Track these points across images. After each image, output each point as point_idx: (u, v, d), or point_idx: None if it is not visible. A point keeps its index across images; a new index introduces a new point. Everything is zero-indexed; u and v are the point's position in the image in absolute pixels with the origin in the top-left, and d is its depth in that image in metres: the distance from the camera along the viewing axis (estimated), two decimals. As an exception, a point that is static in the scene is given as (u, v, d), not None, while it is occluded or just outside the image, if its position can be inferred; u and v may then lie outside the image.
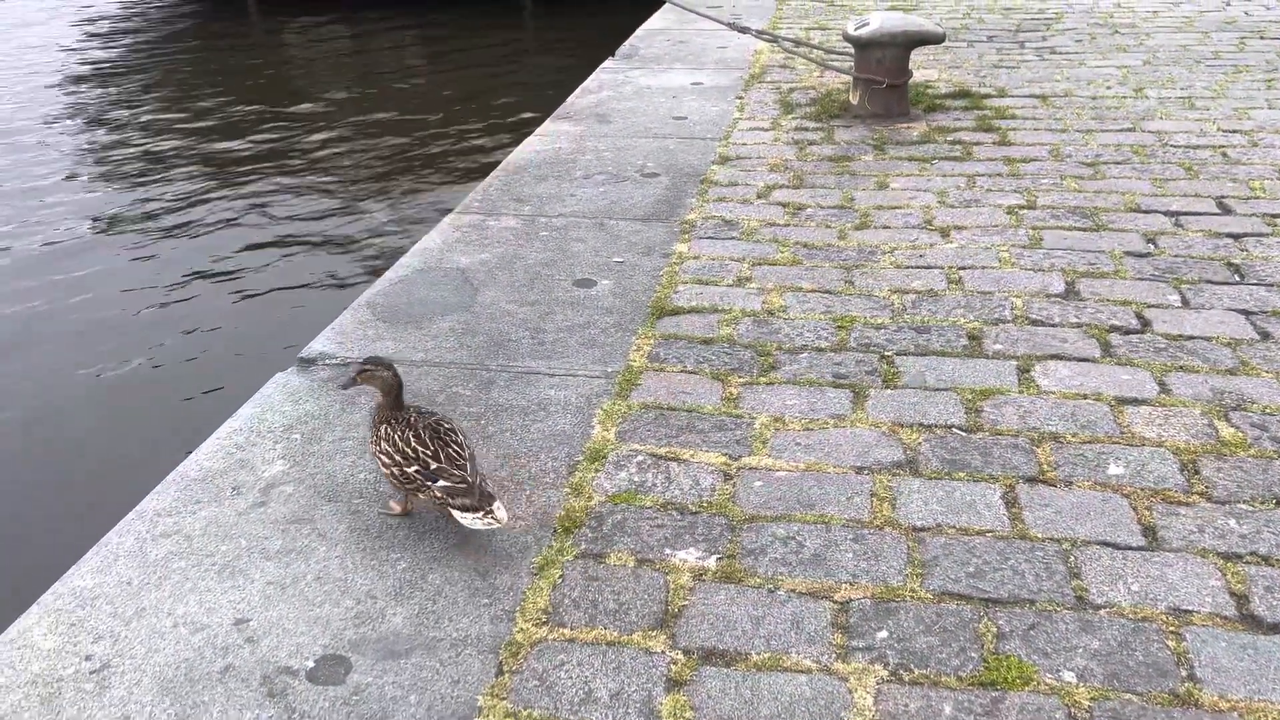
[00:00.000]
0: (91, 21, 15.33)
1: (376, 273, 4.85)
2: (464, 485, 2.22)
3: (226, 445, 2.68)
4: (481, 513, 2.20)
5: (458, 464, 2.26)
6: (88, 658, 1.99)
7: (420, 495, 2.29)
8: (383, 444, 2.32)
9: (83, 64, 12.88)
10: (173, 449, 2.91)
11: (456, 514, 2.22)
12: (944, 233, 3.98)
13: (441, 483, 2.23)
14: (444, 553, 2.28)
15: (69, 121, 10.21)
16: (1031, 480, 2.49)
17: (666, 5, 7.42)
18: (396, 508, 2.43)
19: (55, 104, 10.84)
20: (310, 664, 1.97)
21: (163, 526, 2.36)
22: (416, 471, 2.25)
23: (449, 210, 4.52)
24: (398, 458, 2.28)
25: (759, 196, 4.42)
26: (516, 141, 5.76)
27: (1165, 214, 4.08)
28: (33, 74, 12.28)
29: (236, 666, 1.96)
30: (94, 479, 4.23)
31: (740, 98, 5.98)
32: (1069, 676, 1.93)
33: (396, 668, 1.96)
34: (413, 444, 2.28)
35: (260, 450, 2.67)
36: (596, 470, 2.57)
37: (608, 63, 6.98)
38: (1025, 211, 4.16)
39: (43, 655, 2.00)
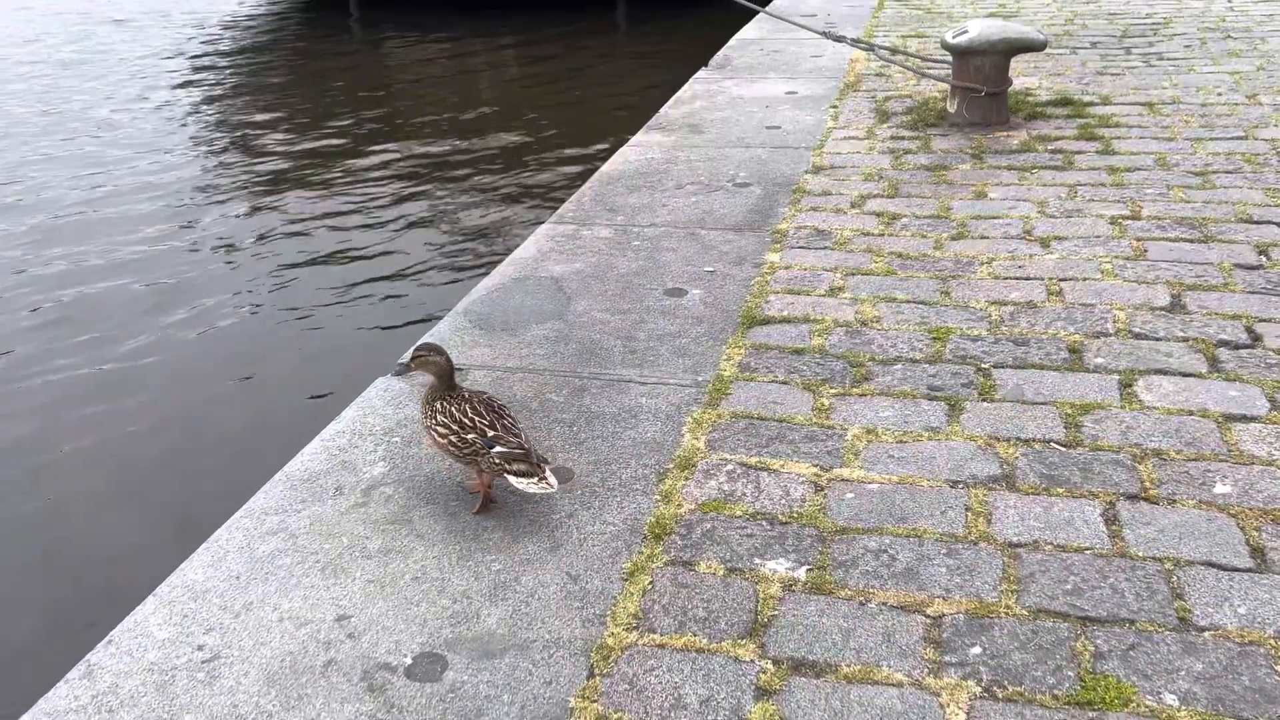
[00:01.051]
0: (195, 27, 15.97)
1: (474, 280, 4.95)
2: (521, 451, 2.38)
3: (330, 447, 2.78)
4: (536, 478, 2.35)
5: (513, 432, 2.42)
6: (199, 648, 2.08)
7: (479, 460, 2.42)
8: (438, 417, 2.47)
9: (181, 70, 13.40)
10: (280, 449, 3.02)
11: (512, 479, 2.37)
12: (1044, 243, 3.90)
13: (499, 449, 2.38)
14: (537, 555, 2.32)
15: (168, 127, 10.63)
16: (1133, 497, 2.43)
17: (760, 15, 7.42)
18: (474, 484, 2.54)
19: (153, 109, 11.30)
20: (408, 661, 2.03)
21: (269, 524, 2.46)
22: (475, 438, 2.40)
23: (544, 220, 4.59)
24: (455, 428, 2.43)
25: (853, 206, 4.40)
26: (610, 152, 5.82)
27: (1278, 225, 3.93)
28: (136, 76, 12.83)
29: (338, 661, 2.03)
30: (207, 477, 4.41)
31: (835, 107, 5.94)
32: (1170, 699, 1.88)
33: (491, 667, 2.01)
34: (470, 415, 2.44)
35: (362, 452, 2.75)
36: (686, 478, 2.58)
37: (701, 73, 7.01)
38: (1129, 222, 4.05)
39: (158, 644, 2.09)
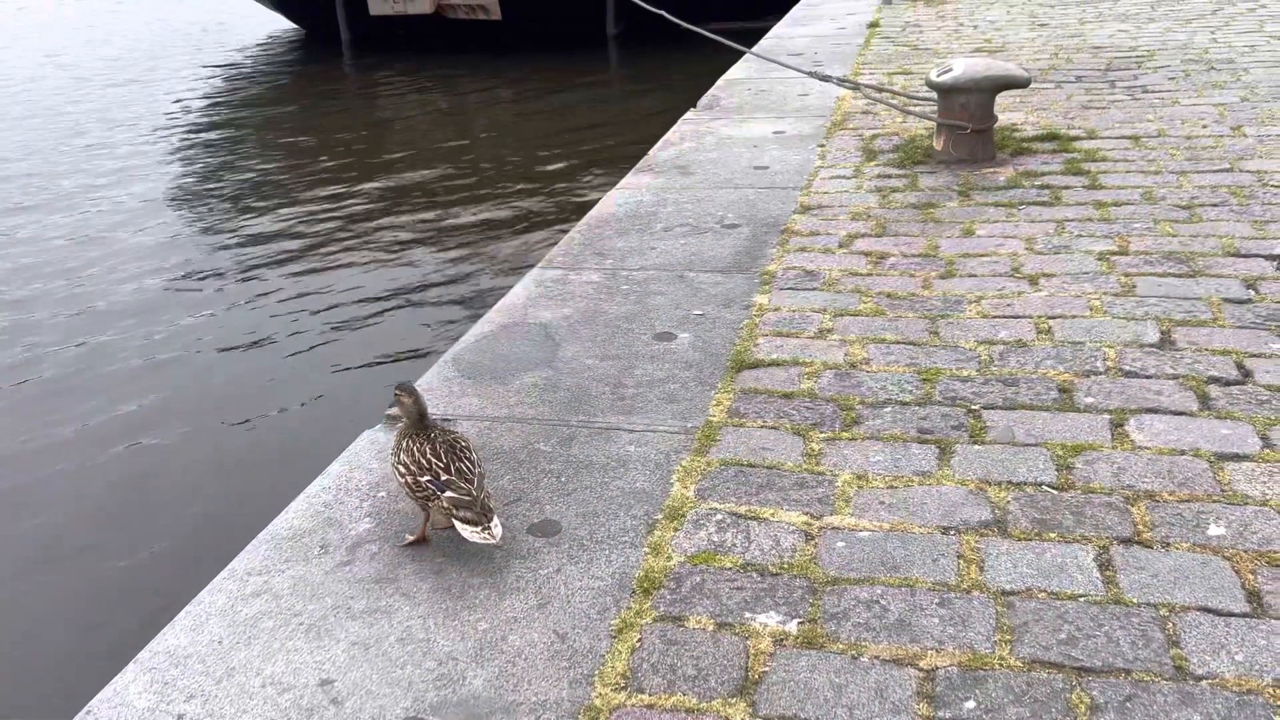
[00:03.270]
0: (188, 66, 16.07)
1: (462, 327, 4.94)
2: (469, 499, 2.41)
3: (315, 504, 2.75)
4: (480, 527, 2.38)
5: (466, 478, 2.46)
6: (179, 716, 2.04)
7: (431, 504, 2.46)
8: (401, 455, 2.53)
9: (170, 108, 13.46)
10: (265, 506, 2.99)
11: (458, 525, 2.40)
12: (1032, 281, 3.90)
13: (449, 494, 2.42)
14: (524, 613, 2.29)
15: (150, 167, 10.65)
16: (1126, 541, 2.41)
17: (747, 55, 7.47)
18: (411, 537, 2.57)
19: (140, 144, 11.34)
20: (392, 727, 1.99)
21: (253, 585, 2.42)
22: (429, 481, 2.44)
23: (532, 265, 4.59)
24: (413, 468, 2.48)
25: (841, 246, 4.40)
26: (598, 195, 5.83)
27: (1266, 258, 3.94)
28: (126, 114, 12.87)
29: (321, 728, 1.99)
30: (188, 537, 4.37)
31: (822, 145, 5.97)
32: (1169, 753, 1.84)
33: (476, 731, 1.97)
34: (429, 456, 2.48)
35: (348, 508, 2.72)
36: (675, 529, 2.56)
37: (689, 114, 7.05)
38: (1117, 258, 4.05)
39: (137, 713, 2.05)
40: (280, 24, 20.38)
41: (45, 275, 7.75)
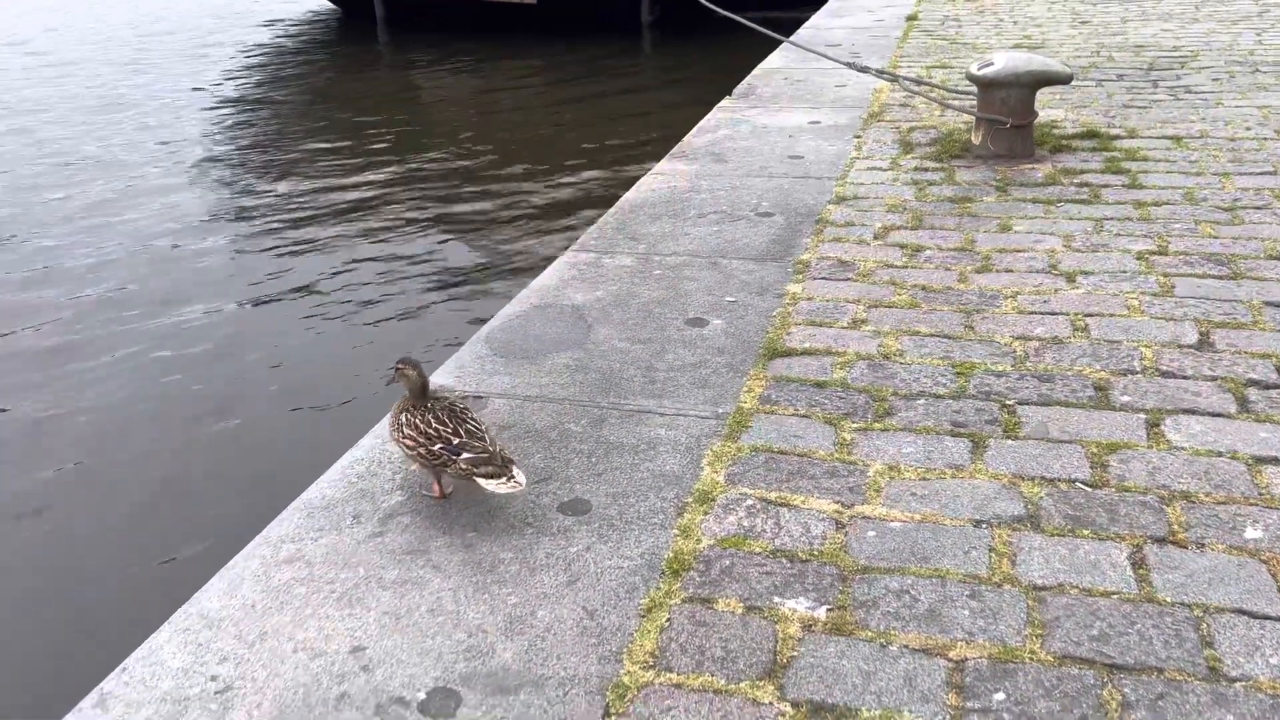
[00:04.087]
0: (220, 44, 16.15)
1: (495, 307, 4.95)
2: (486, 455, 2.46)
3: (348, 474, 2.77)
4: (504, 478, 2.43)
5: (477, 436, 2.50)
6: (213, 678, 2.06)
7: (448, 469, 2.50)
8: (404, 429, 2.56)
9: (204, 86, 13.53)
10: (297, 476, 3.01)
11: (481, 481, 2.44)
12: (1069, 278, 3.86)
13: (466, 455, 2.46)
14: (554, 589, 2.30)
15: (187, 148, 10.72)
16: (1161, 541, 2.39)
17: (784, 44, 7.43)
18: (436, 491, 2.63)
19: (175, 127, 11.41)
20: (422, 695, 2.00)
21: (286, 552, 2.45)
22: (441, 448, 2.47)
23: (565, 247, 4.59)
24: (421, 439, 2.51)
25: (876, 237, 4.38)
26: (632, 179, 5.82)
27: (1310, 262, 3.89)
28: (157, 93, 12.95)
29: (351, 695, 2.01)
30: (223, 504, 4.41)
31: (858, 137, 5.93)
32: (1201, 753, 1.83)
33: (505, 704, 1.98)
34: (434, 425, 2.52)
35: (380, 480, 2.74)
36: (705, 513, 2.56)
37: (724, 101, 7.03)
38: (1156, 258, 4.01)
39: (171, 673, 2.08)
40: (319, 2, 20.45)
41: (80, 241, 7.83)
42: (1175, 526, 2.43)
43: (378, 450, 2.89)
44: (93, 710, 1.99)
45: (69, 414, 5.33)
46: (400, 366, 2.66)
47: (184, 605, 2.28)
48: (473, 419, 2.57)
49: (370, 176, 9.51)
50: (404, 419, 2.59)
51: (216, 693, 2.02)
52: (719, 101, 7.04)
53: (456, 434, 2.50)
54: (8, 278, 7.28)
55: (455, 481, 2.60)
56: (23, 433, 5.18)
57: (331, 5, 20.04)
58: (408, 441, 2.55)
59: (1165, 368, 3.17)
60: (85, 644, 3.59)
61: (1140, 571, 2.29)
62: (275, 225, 8.26)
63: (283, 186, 9.34)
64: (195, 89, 13.50)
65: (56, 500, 4.59)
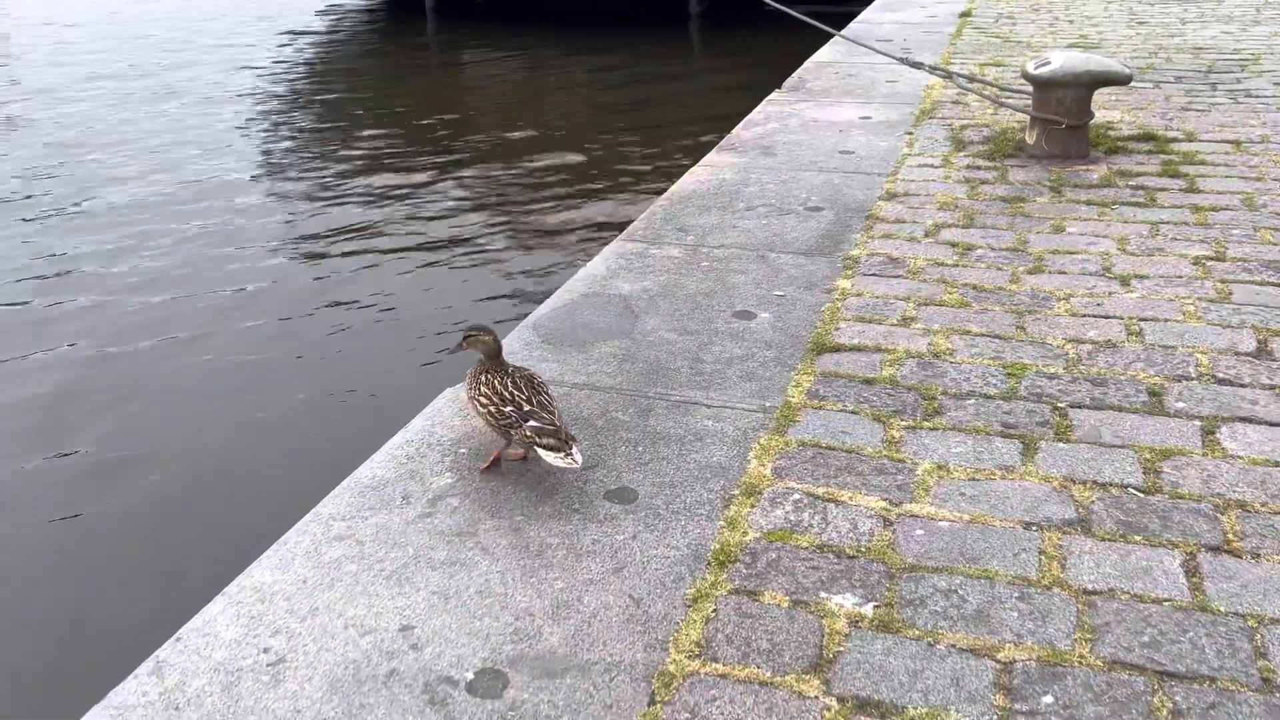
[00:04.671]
0: (269, 32, 16.30)
1: (542, 295, 4.97)
2: (552, 427, 2.55)
3: (398, 455, 2.80)
4: (563, 453, 2.51)
5: (547, 409, 2.61)
6: (265, 650, 2.10)
7: (513, 433, 2.60)
8: (482, 389, 2.68)
9: (251, 76, 13.67)
10: (346, 456, 3.05)
11: (541, 452, 2.54)
12: (1124, 281, 3.82)
13: (532, 422, 2.56)
14: (600, 576, 2.31)
15: (234, 137, 10.83)
16: (1215, 549, 2.36)
17: (835, 38, 7.38)
18: (490, 462, 2.71)
19: (222, 117, 11.53)
20: (470, 676, 2.02)
21: (337, 530, 2.48)
22: (511, 411, 2.58)
23: (613, 237, 4.60)
24: (495, 400, 2.63)
25: (927, 235, 4.34)
26: (680, 171, 5.82)
27: (1373, 272, 3.81)
28: (205, 81, 13.09)
29: (400, 672, 2.04)
30: (275, 480, 4.48)
31: (910, 133, 5.89)
32: (1253, 764, 1.81)
33: (551, 686, 2.00)
34: (510, 389, 2.64)
35: (429, 461, 2.77)
36: (752, 505, 2.56)
37: (774, 95, 6.99)
38: (1214, 263, 3.95)
39: (225, 644, 2.12)
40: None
41: (133, 237, 7.96)
42: (1230, 535, 2.40)
43: (427, 432, 2.92)
44: (149, 678, 2.03)
45: (129, 393, 5.42)
46: (474, 333, 2.78)
47: (237, 578, 2.31)
48: (546, 394, 2.68)
49: (416, 165, 9.57)
50: (483, 379, 2.71)
51: (269, 665, 2.06)
52: (768, 94, 7.01)
53: (529, 402, 2.60)
54: (58, 266, 7.41)
55: (510, 462, 2.71)
56: (85, 407, 5.28)
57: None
58: (481, 399, 2.67)
59: (1222, 375, 3.12)
60: (140, 613, 3.67)
61: (1193, 579, 2.26)
62: (324, 211, 8.34)
63: (329, 173, 9.43)
64: (243, 78, 13.64)
65: (112, 475, 4.68)
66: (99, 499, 4.51)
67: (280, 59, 14.88)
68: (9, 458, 4.84)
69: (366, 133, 10.79)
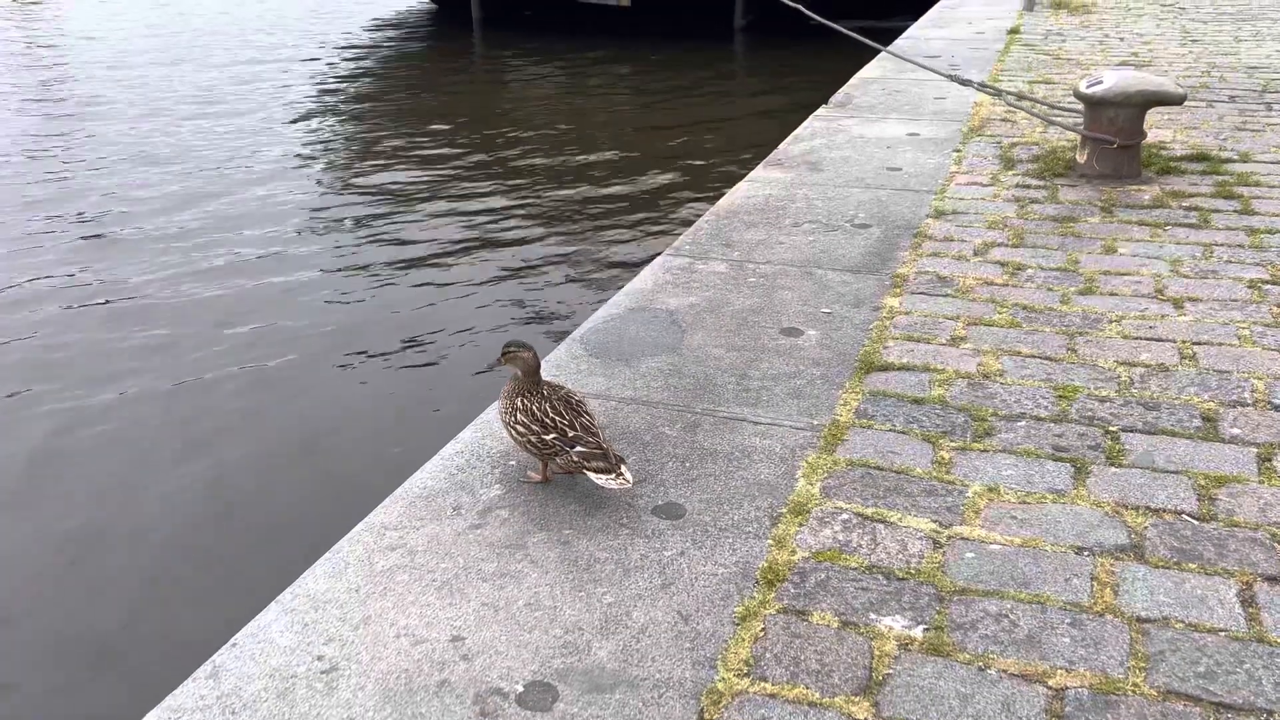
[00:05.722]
0: (317, 38, 16.52)
1: (589, 308, 5.00)
2: (600, 451, 2.54)
3: (449, 466, 2.83)
4: (614, 474, 2.50)
5: (591, 432, 2.58)
6: (319, 658, 2.13)
7: (558, 460, 2.59)
8: (518, 415, 2.63)
9: (297, 82, 13.85)
10: (396, 467, 3.09)
11: (592, 475, 2.52)
12: (1177, 304, 3.77)
13: (579, 448, 2.54)
14: (648, 591, 2.32)
15: (279, 145, 10.97)
16: (1272, 579, 2.32)
17: (882, 54, 7.36)
18: (536, 476, 2.72)
19: (268, 125, 11.68)
20: (520, 688, 2.04)
21: (389, 540, 2.51)
22: (555, 439, 2.56)
23: (658, 252, 4.62)
24: (535, 427, 2.59)
25: (975, 254, 4.32)
26: (725, 186, 5.84)
27: None
28: (250, 86, 13.28)
29: (451, 682, 2.06)
30: (327, 489, 4.53)
31: (958, 151, 5.86)
32: (1313, 801, 1.78)
33: (600, 701, 2.01)
34: (550, 414, 2.59)
35: (479, 473, 2.79)
36: (800, 524, 2.56)
37: (820, 110, 6.99)
38: (1270, 287, 3.90)
39: (280, 651, 2.15)
40: (418, 1, 20.85)
41: (177, 233, 8.10)
42: (1288, 566, 2.36)
43: (477, 443, 2.95)
44: (207, 681, 2.07)
45: (173, 401, 5.51)
46: (513, 350, 2.70)
47: (291, 586, 2.35)
48: (587, 413, 2.64)
49: (462, 176, 9.66)
50: (520, 404, 2.64)
51: (322, 672, 2.09)
52: (814, 109, 7.01)
53: (572, 426, 2.57)
54: (105, 267, 7.55)
55: (557, 474, 2.70)
56: (129, 419, 5.37)
57: (429, 2, 20.41)
58: (519, 427, 2.62)
59: (1278, 401, 3.08)
60: (196, 619, 3.73)
61: (1250, 610, 2.23)
62: (369, 219, 8.44)
63: (374, 183, 9.53)
64: (290, 87, 13.85)
65: (164, 483, 4.76)
66: (159, 508, 4.58)
67: (326, 69, 15.07)
68: (72, 471, 4.93)
69: (408, 143, 10.90)
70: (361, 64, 15.64)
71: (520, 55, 15.82)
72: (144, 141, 10.82)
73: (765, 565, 2.40)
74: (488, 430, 3.02)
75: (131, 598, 3.99)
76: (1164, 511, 2.57)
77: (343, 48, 16.83)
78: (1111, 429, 2.95)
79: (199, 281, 7.11)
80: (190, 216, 8.46)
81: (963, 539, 2.48)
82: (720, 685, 2.05)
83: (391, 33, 18.30)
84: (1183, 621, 2.20)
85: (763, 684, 2.05)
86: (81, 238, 8.02)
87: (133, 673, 3.55)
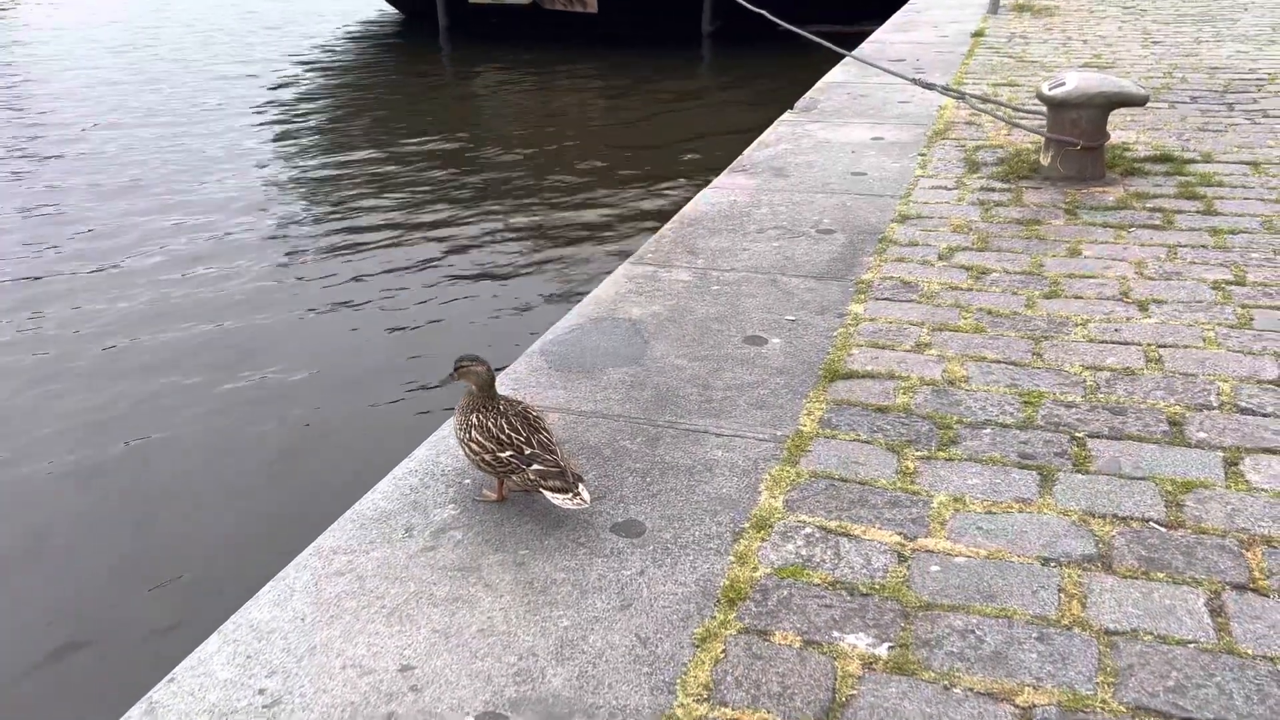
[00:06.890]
0: (281, 49, 16.36)
1: (548, 319, 4.92)
2: (557, 469, 2.46)
3: (401, 486, 2.74)
4: (570, 494, 2.43)
5: (549, 449, 2.51)
6: (261, 691, 2.04)
7: (514, 478, 2.51)
8: (473, 432, 2.55)
9: (262, 92, 13.69)
10: (347, 487, 3.00)
11: (548, 494, 2.45)
12: (1142, 306, 3.75)
13: (536, 466, 2.47)
14: (606, 613, 2.25)
15: (250, 148, 10.84)
16: (1240, 588, 2.28)
17: (847, 59, 7.33)
18: (492, 495, 2.64)
19: (230, 135, 11.53)
20: (471, 719, 1.96)
21: (337, 564, 2.42)
22: (511, 456, 2.48)
23: (622, 260, 4.55)
24: (490, 444, 2.51)
25: (940, 258, 4.28)
26: (690, 193, 5.78)
27: (1397, 297, 3.73)
28: (216, 96, 13.12)
29: (399, 715, 1.98)
30: (272, 511, 4.41)
31: (922, 154, 5.83)
32: (1286, 819, 1.73)
33: (554, 732, 1.93)
34: (506, 431, 2.52)
35: (433, 493, 2.71)
36: (762, 540, 2.49)
37: (786, 115, 6.96)
38: (1233, 288, 3.88)
39: (219, 684, 2.06)
40: (381, 7, 20.70)
41: (142, 245, 7.96)
42: (1256, 573, 2.32)
43: (431, 461, 2.87)
44: (142, 719, 1.98)
45: (119, 415, 5.38)
46: (464, 364, 2.63)
47: (233, 615, 2.26)
48: (545, 429, 2.57)
49: (425, 185, 9.55)
50: (475, 419, 2.57)
51: (264, 706, 2.00)
52: (780, 115, 6.97)
53: (529, 443, 2.50)
54: (75, 279, 7.41)
55: (514, 492, 2.61)
56: (68, 432, 5.23)
57: (395, 11, 20.27)
58: (474, 445, 2.54)
59: (1244, 404, 3.05)
60: (135, 650, 3.60)
61: (1219, 620, 2.19)
62: (330, 232, 8.32)
63: (336, 194, 9.41)
64: (253, 94, 13.68)
65: (101, 504, 4.62)
66: (84, 531, 4.43)
67: (288, 76, 14.92)
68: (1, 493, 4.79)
69: (371, 154, 10.78)
70: (324, 73, 15.48)
71: (486, 63, 15.72)
72: (94, 151, 10.64)
73: (727, 583, 2.34)
74: (443, 447, 2.93)
75: (63, 631, 3.84)
76: (1131, 519, 2.53)
77: (311, 51, 16.66)
78: (1078, 435, 2.91)
79: (146, 296, 6.96)
80: (143, 230, 8.31)
81: (927, 551, 2.42)
82: (679, 711, 1.98)
83: (357, 42, 18.15)
84: (1152, 633, 2.15)
85: (723, 709, 1.98)
86: (36, 265, 7.86)
87: (62, 713, 3.41)
